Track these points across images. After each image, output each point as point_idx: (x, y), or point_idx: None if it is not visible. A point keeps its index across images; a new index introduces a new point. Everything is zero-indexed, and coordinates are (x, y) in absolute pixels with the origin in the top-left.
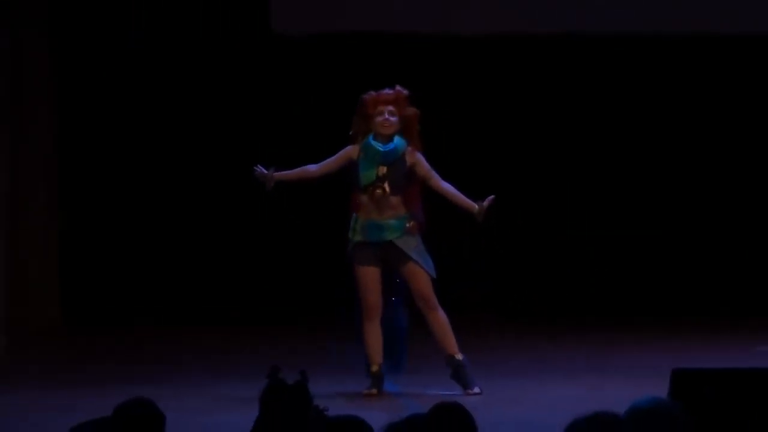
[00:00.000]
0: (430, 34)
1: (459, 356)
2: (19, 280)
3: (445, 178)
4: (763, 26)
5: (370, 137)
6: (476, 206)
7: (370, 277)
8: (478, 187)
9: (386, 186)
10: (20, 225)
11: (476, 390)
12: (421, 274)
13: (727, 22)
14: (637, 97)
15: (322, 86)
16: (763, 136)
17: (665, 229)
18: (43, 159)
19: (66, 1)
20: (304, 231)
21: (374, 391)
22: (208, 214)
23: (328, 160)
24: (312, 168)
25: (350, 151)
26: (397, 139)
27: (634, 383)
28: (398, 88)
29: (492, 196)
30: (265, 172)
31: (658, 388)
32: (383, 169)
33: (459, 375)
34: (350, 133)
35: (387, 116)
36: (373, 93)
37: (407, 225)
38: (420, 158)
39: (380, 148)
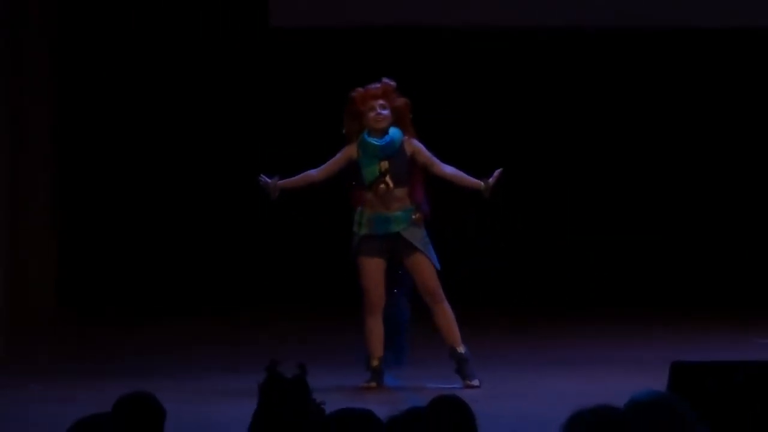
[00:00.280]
0: (429, 28)
1: (462, 349)
2: (18, 277)
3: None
4: (766, 21)
5: (365, 134)
6: (482, 183)
7: (374, 270)
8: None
9: (389, 180)
10: (20, 224)
11: (475, 383)
12: (427, 266)
13: (728, 18)
14: (638, 91)
15: (321, 81)
16: (762, 131)
17: (665, 222)
18: (42, 158)
19: (65, 1)
20: (304, 225)
21: (373, 384)
22: (208, 209)
23: (328, 163)
24: (314, 173)
25: (348, 150)
26: (392, 131)
27: (634, 376)
28: (385, 80)
29: (499, 171)
30: (269, 181)
31: (658, 381)
32: (384, 164)
33: (461, 367)
34: (343, 132)
35: (379, 110)
36: (360, 90)
37: (413, 217)
38: (418, 146)
39: (377, 143)
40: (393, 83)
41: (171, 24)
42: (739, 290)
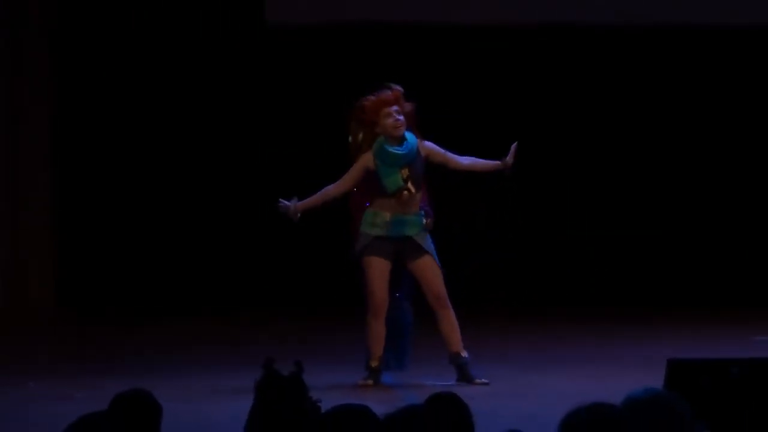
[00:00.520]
0: (427, 25)
1: (464, 353)
2: (18, 276)
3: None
4: (766, 19)
5: (384, 143)
6: (501, 163)
7: (382, 272)
8: (479, 179)
9: (411, 186)
10: (20, 224)
11: (484, 380)
12: (435, 270)
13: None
14: (643, 88)
15: (317, 78)
16: (763, 129)
17: (663, 220)
18: (42, 158)
19: (65, 1)
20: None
21: (370, 382)
22: (207, 209)
23: (345, 178)
24: (332, 189)
25: (364, 161)
26: (409, 137)
27: (631, 374)
28: (393, 86)
29: (514, 145)
30: (288, 204)
31: (656, 379)
32: (405, 171)
33: (463, 372)
34: (350, 141)
35: (396, 117)
36: (371, 98)
37: (425, 221)
38: (431, 146)
39: (401, 152)
40: (401, 88)
41: (169, 23)
42: (737, 288)
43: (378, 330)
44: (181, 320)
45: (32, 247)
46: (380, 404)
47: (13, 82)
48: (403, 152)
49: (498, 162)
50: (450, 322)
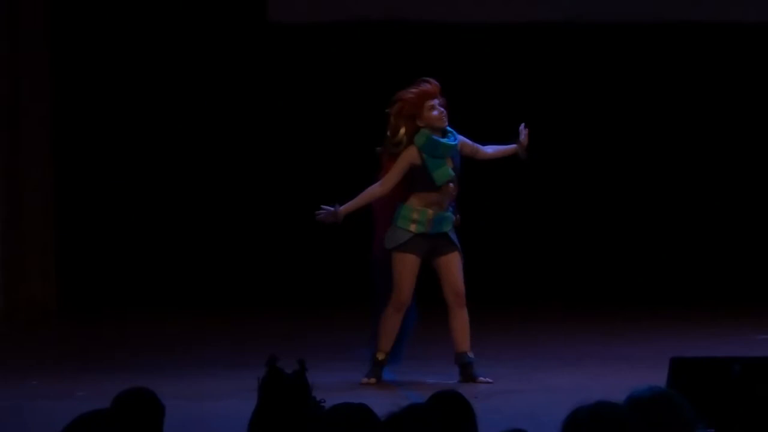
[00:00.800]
0: (429, 22)
1: (471, 354)
2: (18, 276)
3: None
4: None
5: (430, 135)
6: (516, 146)
7: (413, 270)
8: (480, 176)
9: (454, 178)
10: (20, 224)
11: (488, 379)
12: (460, 268)
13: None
14: (644, 86)
15: (319, 76)
16: (763, 128)
17: (665, 217)
18: (42, 158)
19: (65, 0)
20: (304, 224)
21: (373, 380)
22: (207, 208)
23: (388, 175)
24: (377, 189)
25: (409, 156)
26: (451, 130)
27: (634, 372)
28: (431, 80)
29: (523, 125)
30: (331, 209)
31: (659, 377)
32: (450, 163)
33: (467, 371)
34: (388, 136)
35: (441, 109)
36: (413, 90)
37: (455, 217)
38: (462, 138)
39: (451, 143)
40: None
41: (169, 21)
42: (739, 286)
43: (394, 325)
44: (180, 319)
45: (32, 246)
46: (383, 403)
47: (13, 82)
48: (453, 143)
49: (515, 146)
50: (463, 321)
